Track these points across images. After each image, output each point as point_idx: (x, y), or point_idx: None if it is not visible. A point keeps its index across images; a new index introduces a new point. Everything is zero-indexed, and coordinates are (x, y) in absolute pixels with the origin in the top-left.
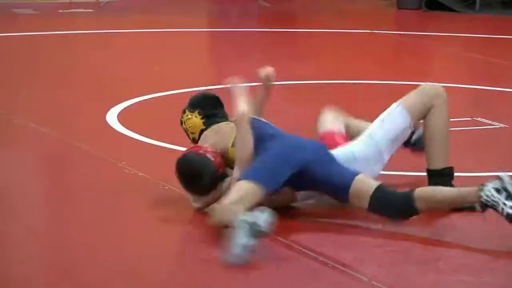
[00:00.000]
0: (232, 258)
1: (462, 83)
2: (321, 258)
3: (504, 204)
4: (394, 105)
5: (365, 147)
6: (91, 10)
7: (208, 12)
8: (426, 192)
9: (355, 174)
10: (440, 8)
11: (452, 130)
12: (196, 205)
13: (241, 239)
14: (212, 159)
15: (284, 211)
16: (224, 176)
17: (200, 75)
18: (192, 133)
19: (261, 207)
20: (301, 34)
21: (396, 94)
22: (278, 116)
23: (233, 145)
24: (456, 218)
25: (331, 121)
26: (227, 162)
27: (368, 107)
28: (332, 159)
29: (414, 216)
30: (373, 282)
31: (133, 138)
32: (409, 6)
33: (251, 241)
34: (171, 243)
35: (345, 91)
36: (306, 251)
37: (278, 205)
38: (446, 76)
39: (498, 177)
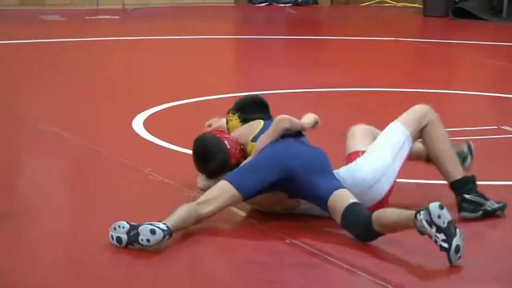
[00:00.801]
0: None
1: (488, 91)
2: (346, 266)
3: (437, 237)
4: (391, 123)
5: (370, 160)
6: (117, 17)
7: (235, 19)
8: (378, 215)
9: (335, 188)
10: (466, 16)
11: (478, 138)
12: (199, 184)
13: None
14: (228, 146)
15: (303, 217)
16: (235, 166)
17: (226, 81)
18: None
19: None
20: (326, 41)
21: (420, 101)
22: None
23: (253, 140)
24: (483, 226)
25: (359, 141)
26: (245, 155)
27: (393, 114)
28: (325, 170)
29: (377, 237)
30: None
31: (158, 145)
32: (435, 14)
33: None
34: (195, 247)
35: (369, 98)
36: (331, 258)
37: (283, 210)
38: (472, 84)
39: (427, 209)
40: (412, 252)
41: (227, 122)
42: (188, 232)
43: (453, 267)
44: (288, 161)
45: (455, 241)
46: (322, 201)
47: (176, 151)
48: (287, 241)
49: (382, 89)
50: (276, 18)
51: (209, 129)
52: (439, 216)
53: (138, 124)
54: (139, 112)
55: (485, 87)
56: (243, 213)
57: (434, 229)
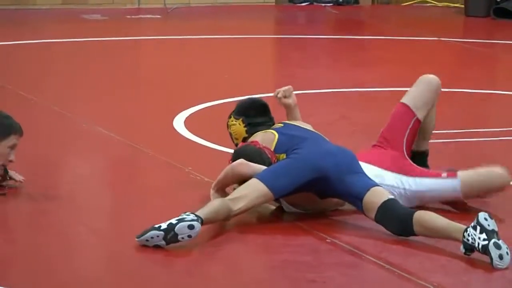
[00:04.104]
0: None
1: None
2: (387, 266)
3: (479, 238)
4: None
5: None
6: (158, 16)
7: (276, 18)
8: (423, 217)
9: (371, 185)
10: (508, 16)
11: None
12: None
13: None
14: (268, 155)
15: (342, 215)
16: None
17: (267, 81)
18: (236, 138)
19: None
20: (367, 41)
21: (460, 101)
22: (344, 122)
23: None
24: None
25: (422, 102)
26: None
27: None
28: (356, 169)
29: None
30: None
31: (199, 144)
32: (477, 14)
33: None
34: (235, 246)
35: None
36: (371, 257)
37: (325, 208)
38: None
39: (476, 217)
40: (453, 252)
41: (228, 126)
42: (227, 231)
43: (496, 270)
44: (320, 161)
45: (496, 241)
46: (357, 199)
47: (216, 150)
48: (328, 240)
49: None
50: (317, 18)
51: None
52: (485, 219)
53: (179, 123)
54: (180, 111)
55: None
56: (286, 215)
57: (478, 231)
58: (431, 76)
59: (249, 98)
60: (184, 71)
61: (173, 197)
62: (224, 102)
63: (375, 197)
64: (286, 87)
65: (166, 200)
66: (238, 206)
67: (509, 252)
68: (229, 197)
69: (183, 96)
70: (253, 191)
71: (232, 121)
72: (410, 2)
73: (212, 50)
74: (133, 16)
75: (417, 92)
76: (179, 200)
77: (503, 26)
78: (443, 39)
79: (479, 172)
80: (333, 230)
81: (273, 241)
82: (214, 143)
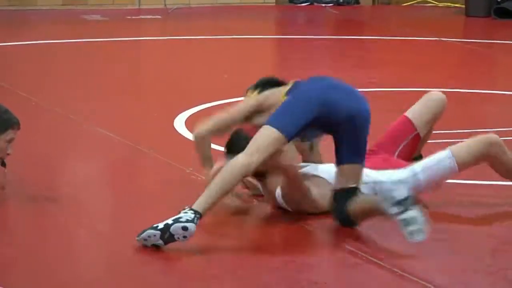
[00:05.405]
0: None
1: None
2: (388, 267)
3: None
4: (444, 154)
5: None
6: (159, 17)
7: (276, 19)
8: (352, 206)
9: (357, 161)
10: (509, 15)
11: None
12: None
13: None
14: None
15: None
16: None
17: None
18: None
19: None
20: (367, 41)
21: (461, 101)
22: None
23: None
24: None
25: (425, 119)
26: None
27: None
28: (363, 127)
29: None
30: None
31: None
32: (477, 14)
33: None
34: (235, 245)
35: (413, 98)
36: (372, 258)
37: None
38: None
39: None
40: (454, 253)
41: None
42: (227, 231)
43: (498, 267)
44: (322, 94)
45: (411, 212)
46: (338, 160)
47: (218, 150)
48: (329, 241)
49: (426, 89)
50: (317, 18)
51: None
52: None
53: (180, 123)
54: (181, 112)
55: None
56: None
57: (390, 202)
58: (439, 95)
59: (269, 75)
60: (184, 71)
61: (173, 198)
62: (224, 103)
63: (344, 174)
64: None
65: (166, 200)
66: (253, 159)
67: (422, 218)
68: (242, 153)
69: (184, 97)
70: (264, 140)
71: (249, 94)
72: (411, 2)
73: (212, 51)
74: (133, 17)
75: (423, 110)
76: (179, 201)
77: (504, 26)
78: (444, 39)
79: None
80: (334, 231)
81: (274, 241)
82: (214, 144)
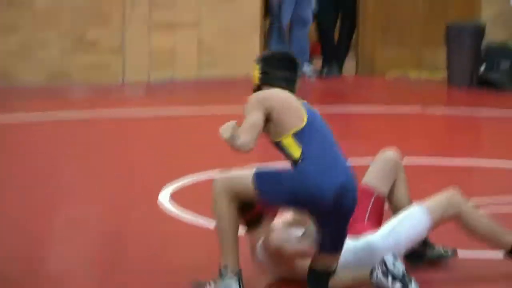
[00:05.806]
0: None
1: None
2: None
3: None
4: (415, 207)
5: (383, 241)
6: (143, 91)
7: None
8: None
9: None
10: (491, 85)
11: None
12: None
13: None
14: None
15: None
16: None
17: (255, 154)
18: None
19: None
20: (349, 112)
21: (445, 172)
22: None
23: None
24: None
25: (380, 177)
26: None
27: (417, 185)
28: (347, 219)
29: None
30: None
31: (186, 221)
32: (460, 84)
33: None
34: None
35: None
36: None
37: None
38: (499, 154)
39: (382, 260)
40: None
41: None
42: None
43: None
44: (321, 191)
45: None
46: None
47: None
48: None
49: (413, 161)
50: (301, 88)
51: None
52: (394, 265)
53: (165, 198)
54: (166, 186)
55: None
56: None
57: (390, 280)
58: (387, 151)
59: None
60: (167, 146)
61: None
62: (208, 176)
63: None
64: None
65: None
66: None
67: None
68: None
69: (169, 170)
70: (241, 182)
71: (254, 66)
72: (393, 75)
73: (196, 123)
74: (117, 92)
75: (374, 169)
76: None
77: (486, 96)
78: (426, 108)
79: (439, 198)
80: None
81: None
82: (203, 216)
